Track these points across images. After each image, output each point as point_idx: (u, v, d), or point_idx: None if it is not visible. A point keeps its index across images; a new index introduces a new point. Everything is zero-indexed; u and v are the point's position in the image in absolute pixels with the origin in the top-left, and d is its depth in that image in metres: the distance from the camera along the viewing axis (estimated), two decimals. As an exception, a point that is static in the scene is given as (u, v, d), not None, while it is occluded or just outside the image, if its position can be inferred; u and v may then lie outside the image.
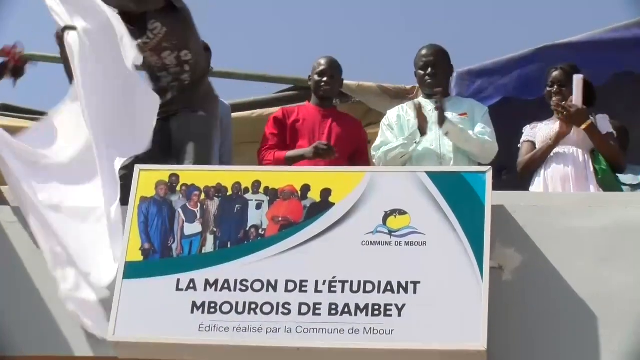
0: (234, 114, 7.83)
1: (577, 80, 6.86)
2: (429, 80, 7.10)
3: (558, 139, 6.92)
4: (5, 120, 8.81)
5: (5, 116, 8.99)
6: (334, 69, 7.39)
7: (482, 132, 6.86)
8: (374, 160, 6.97)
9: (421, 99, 7.17)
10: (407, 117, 7.04)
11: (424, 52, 7.19)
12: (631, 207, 5.62)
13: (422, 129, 6.82)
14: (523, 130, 7.24)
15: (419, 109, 6.85)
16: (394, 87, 8.51)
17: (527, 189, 6.92)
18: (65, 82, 6.32)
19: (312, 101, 7.42)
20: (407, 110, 7.12)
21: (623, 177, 6.98)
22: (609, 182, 6.89)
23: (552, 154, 6.97)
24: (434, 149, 6.82)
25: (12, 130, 8.41)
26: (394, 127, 7.07)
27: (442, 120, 6.76)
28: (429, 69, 7.11)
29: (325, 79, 7.32)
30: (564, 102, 6.84)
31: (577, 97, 6.85)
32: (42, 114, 8.94)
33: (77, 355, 5.40)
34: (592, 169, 6.88)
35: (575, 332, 5.17)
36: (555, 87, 7.10)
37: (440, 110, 6.78)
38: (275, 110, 8.06)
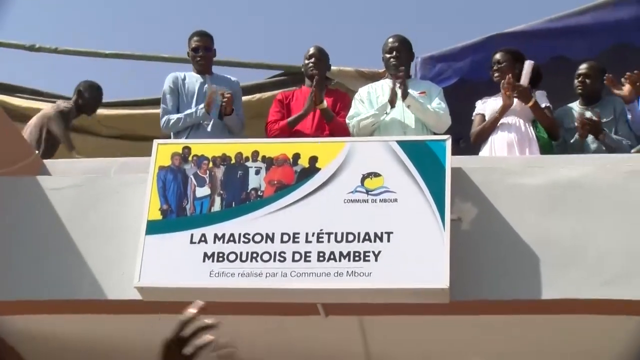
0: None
1: (528, 65, 6.93)
2: (394, 62, 7.07)
3: (502, 111, 6.92)
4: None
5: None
6: (320, 54, 7.38)
7: (438, 107, 6.84)
8: (349, 127, 6.93)
9: (388, 80, 7.14)
10: (376, 94, 7.05)
11: (390, 39, 7.21)
12: (567, 167, 5.62)
13: (392, 102, 6.80)
14: (475, 105, 7.21)
15: (394, 86, 6.82)
16: (368, 70, 8.52)
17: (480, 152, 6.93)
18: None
19: (305, 84, 7.38)
20: (375, 88, 7.15)
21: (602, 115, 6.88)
22: (547, 147, 6.93)
23: (499, 124, 6.95)
24: (399, 118, 6.81)
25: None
26: (365, 101, 7.06)
27: (405, 94, 6.75)
28: (394, 53, 7.11)
29: (312, 60, 7.32)
30: (515, 83, 6.82)
31: (524, 79, 6.90)
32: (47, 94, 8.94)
33: (110, 298, 5.35)
34: (534, 136, 6.87)
35: (522, 272, 5.15)
36: (496, 66, 7.13)
37: (404, 86, 6.76)
38: (272, 92, 8.33)
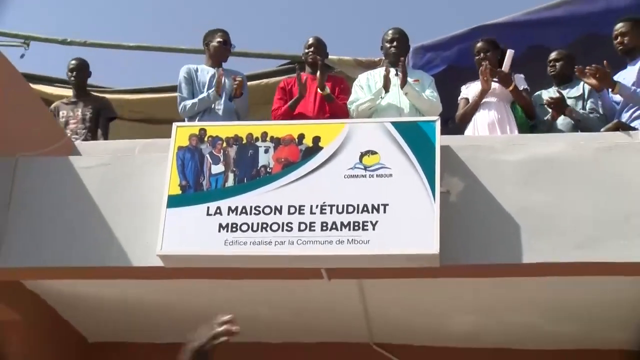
0: (248, 83, 7.73)
1: (509, 53, 6.97)
2: (393, 51, 7.11)
3: (482, 95, 6.97)
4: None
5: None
6: (318, 43, 7.39)
7: (431, 95, 6.86)
8: (349, 111, 6.96)
9: (386, 66, 7.10)
10: (374, 80, 7.04)
11: (390, 31, 7.23)
12: (543, 144, 5.58)
13: (387, 87, 6.81)
14: (462, 89, 7.24)
15: (387, 73, 6.81)
16: (366, 59, 8.53)
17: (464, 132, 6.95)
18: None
19: (306, 71, 7.35)
20: (373, 75, 7.14)
21: (569, 92, 6.95)
22: (524, 126, 6.95)
23: (481, 105, 7.00)
24: (395, 103, 6.81)
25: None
26: (364, 87, 7.07)
27: (404, 83, 6.75)
28: (394, 43, 7.13)
29: (311, 49, 7.33)
30: (496, 69, 6.90)
31: (506, 66, 6.95)
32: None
33: (135, 265, 5.34)
34: (512, 116, 6.91)
35: (504, 238, 5.13)
36: (481, 54, 7.18)
37: (404, 75, 6.77)
38: (278, 79, 8.28)
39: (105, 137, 7.71)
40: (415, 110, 6.71)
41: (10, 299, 5.77)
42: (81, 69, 8.06)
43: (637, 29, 6.81)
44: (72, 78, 8.03)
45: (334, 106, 6.92)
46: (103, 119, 7.86)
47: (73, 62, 8.09)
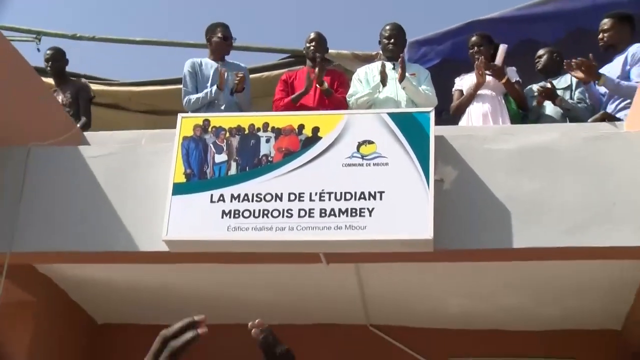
0: (250, 75, 7.72)
1: (502, 48, 7.00)
2: (391, 47, 7.13)
3: (476, 88, 7.00)
4: None
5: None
6: (319, 38, 7.41)
7: (427, 89, 6.88)
8: (349, 104, 6.97)
9: (383, 60, 7.13)
10: (372, 74, 7.05)
11: (388, 27, 7.24)
12: (533, 134, 5.59)
13: (383, 81, 6.82)
14: (455, 82, 7.24)
15: (383, 68, 6.82)
16: (362, 53, 8.54)
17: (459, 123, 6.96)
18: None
19: (306, 64, 7.39)
20: (372, 69, 7.13)
21: (558, 83, 6.98)
22: (516, 117, 6.98)
23: (475, 97, 7.02)
24: (392, 97, 6.82)
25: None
26: (362, 80, 7.09)
27: (402, 77, 6.75)
28: (392, 40, 7.15)
29: (313, 44, 7.34)
30: (490, 63, 6.94)
31: (499, 60, 6.97)
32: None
33: (142, 250, 5.34)
34: (505, 107, 6.93)
35: (495, 224, 5.12)
36: (475, 47, 7.20)
37: (403, 70, 6.77)
38: (279, 72, 8.29)
39: (88, 118, 7.71)
40: (412, 103, 6.71)
41: (23, 282, 5.78)
42: (57, 59, 8.11)
43: (620, 25, 6.84)
44: (49, 68, 8.07)
45: (333, 100, 6.93)
46: (83, 101, 7.88)
47: (48, 52, 8.14)
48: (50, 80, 8.14)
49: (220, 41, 7.28)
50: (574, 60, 6.43)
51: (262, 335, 1.73)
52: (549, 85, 6.77)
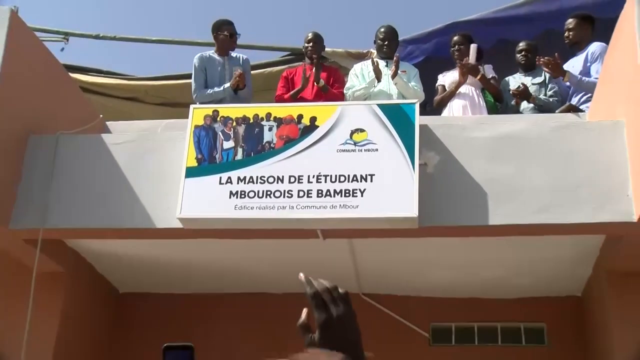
0: (252, 72, 7.70)
1: (473, 47, 6.97)
2: (385, 49, 7.14)
3: (458, 86, 6.98)
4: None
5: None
6: (316, 38, 7.37)
7: (415, 85, 6.88)
8: (346, 96, 6.97)
9: (377, 59, 7.11)
10: (368, 70, 7.03)
11: (382, 29, 7.21)
12: (507, 123, 5.61)
13: (378, 78, 6.83)
14: (439, 78, 7.23)
15: (376, 66, 6.84)
16: (355, 51, 8.48)
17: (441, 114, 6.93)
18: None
19: (305, 62, 7.36)
20: (367, 65, 7.10)
21: (533, 79, 6.97)
22: (493, 109, 6.98)
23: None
24: (385, 91, 6.82)
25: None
26: (359, 75, 7.07)
27: (395, 74, 6.77)
28: (385, 41, 7.14)
29: (310, 44, 7.31)
30: (465, 61, 6.92)
31: (471, 58, 6.94)
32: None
33: (158, 227, 5.37)
34: (482, 101, 6.95)
35: (473, 204, 5.15)
36: (457, 46, 7.20)
37: (396, 68, 6.78)
38: (280, 68, 8.26)
39: None
40: (402, 97, 6.69)
41: (55, 255, 5.80)
42: None
43: (582, 25, 6.89)
44: None
45: (329, 94, 6.91)
46: None
47: None
48: (76, 76, 8.15)
49: (226, 38, 7.25)
50: (541, 59, 6.47)
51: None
52: (522, 87, 6.77)
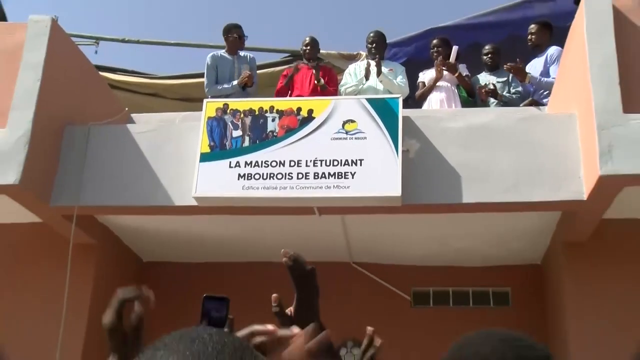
0: (258, 71, 7.65)
1: (454, 49, 6.95)
2: (373, 51, 7.07)
3: (435, 81, 6.96)
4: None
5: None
6: (313, 42, 7.33)
7: (401, 81, 6.83)
8: (339, 92, 6.95)
9: (369, 60, 7.08)
10: (360, 70, 7.01)
11: (372, 34, 7.16)
12: (478, 115, 5.60)
13: (367, 77, 6.82)
14: (419, 75, 7.19)
15: (368, 67, 6.84)
16: (347, 53, 8.42)
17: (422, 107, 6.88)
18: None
19: (302, 62, 7.33)
20: (359, 66, 7.11)
21: (498, 78, 6.92)
22: (467, 102, 6.96)
23: (434, 88, 6.95)
24: (373, 86, 6.77)
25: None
26: (352, 74, 7.06)
27: (379, 73, 6.76)
28: (374, 44, 7.08)
29: (308, 47, 7.28)
30: (446, 62, 6.92)
31: (452, 58, 6.94)
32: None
33: (176, 205, 5.35)
34: (457, 95, 6.91)
35: (449, 185, 5.16)
36: (435, 48, 7.16)
37: (378, 68, 6.77)
38: (281, 68, 8.13)
39: None
40: (388, 92, 6.63)
41: (88, 229, 5.78)
42: None
43: (543, 30, 6.90)
44: None
45: (327, 92, 6.87)
46: None
47: None
48: (106, 75, 8.09)
49: (235, 40, 7.21)
50: (506, 65, 6.50)
51: (293, 258, 1.61)
52: (492, 87, 6.76)
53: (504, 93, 6.79)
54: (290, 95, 7.02)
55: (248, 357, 0.74)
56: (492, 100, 6.77)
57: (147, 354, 0.74)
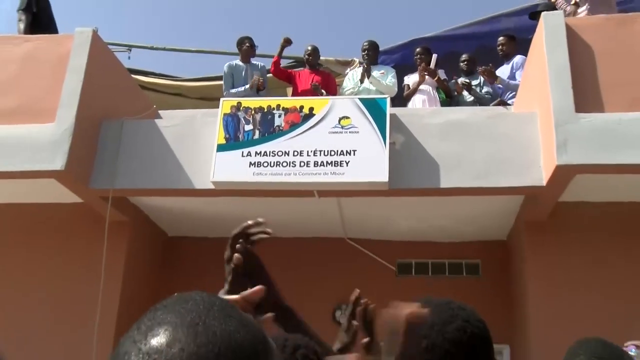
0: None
1: (434, 57, 6.97)
2: (366, 58, 7.08)
3: (418, 84, 6.93)
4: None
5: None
6: (314, 50, 7.34)
7: (390, 81, 6.82)
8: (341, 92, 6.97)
9: (365, 64, 7.08)
10: (357, 74, 7.03)
11: (365, 43, 7.15)
12: (454, 113, 5.60)
13: (362, 80, 6.84)
14: (404, 79, 7.19)
15: (364, 71, 6.87)
16: (343, 59, 8.43)
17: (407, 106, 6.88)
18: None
19: (305, 67, 7.34)
20: (357, 71, 7.12)
21: (472, 82, 6.86)
22: (445, 102, 6.94)
23: (417, 90, 6.94)
24: (367, 87, 6.77)
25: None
26: (350, 79, 7.08)
27: (368, 76, 6.79)
28: (367, 52, 7.09)
29: (310, 56, 7.30)
30: (427, 67, 6.91)
31: (432, 64, 6.94)
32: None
33: (196, 188, 5.37)
34: (437, 96, 6.91)
35: (429, 172, 5.18)
36: (419, 55, 7.15)
37: (369, 71, 6.82)
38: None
39: None
40: (379, 93, 6.62)
41: (122, 208, 5.80)
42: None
43: (510, 42, 6.97)
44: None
45: (320, 93, 6.85)
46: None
47: None
48: (137, 77, 8.09)
49: (247, 49, 7.23)
50: (480, 68, 6.50)
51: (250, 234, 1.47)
52: (467, 82, 6.79)
53: (478, 91, 6.82)
54: (295, 93, 7.03)
55: (235, 314, 0.78)
56: (465, 94, 6.80)
57: (149, 313, 0.79)
